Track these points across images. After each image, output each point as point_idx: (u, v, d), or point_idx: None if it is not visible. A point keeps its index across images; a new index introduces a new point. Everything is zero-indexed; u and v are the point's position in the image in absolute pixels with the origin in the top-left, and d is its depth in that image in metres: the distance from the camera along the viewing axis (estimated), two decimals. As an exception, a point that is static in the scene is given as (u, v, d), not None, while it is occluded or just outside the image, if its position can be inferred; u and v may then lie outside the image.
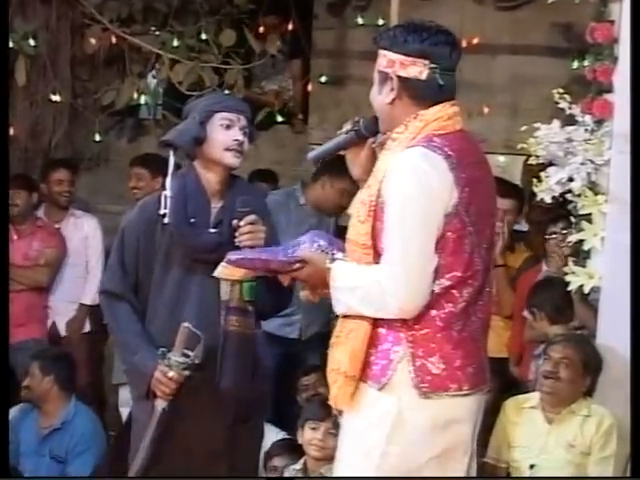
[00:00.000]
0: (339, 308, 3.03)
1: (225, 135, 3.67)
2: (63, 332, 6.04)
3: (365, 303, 2.95)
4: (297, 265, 3.10)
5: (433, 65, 2.98)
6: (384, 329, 2.98)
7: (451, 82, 3.04)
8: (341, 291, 2.99)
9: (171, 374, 3.54)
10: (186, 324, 3.53)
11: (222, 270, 3.37)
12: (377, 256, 2.97)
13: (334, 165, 3.86)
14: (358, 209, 3.02)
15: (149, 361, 3.59)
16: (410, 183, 2.90)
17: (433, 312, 2.95)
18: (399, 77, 3.00)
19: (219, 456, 3.67)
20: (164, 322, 3.65)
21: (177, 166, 3.77)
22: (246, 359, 3.66)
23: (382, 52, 3.04)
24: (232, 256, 3.30)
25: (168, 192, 3.65)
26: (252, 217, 3.60)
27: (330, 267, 3.02)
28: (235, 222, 3.59)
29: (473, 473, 3.14)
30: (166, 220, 3.63)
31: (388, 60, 3.01)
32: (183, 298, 3.64)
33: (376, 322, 2.99)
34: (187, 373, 3.55)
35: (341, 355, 3.01)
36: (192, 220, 3.64)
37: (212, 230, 3.64)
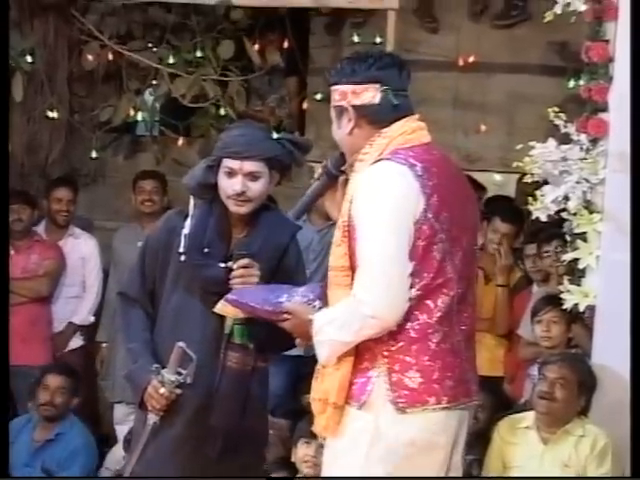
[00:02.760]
0: (323, 352, 3.01)
1: (226, 183, 3.55)
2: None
3: (345, 328, 2.95)
4: (283, 316, 3.14)
5: (384, 87, 3.04)
6: (362, 348, 2.99)
7: (405, 101, 3.09)
8: (321, 331, 3.00)
9: (162, 390, 3.53)
10: (181, 344, 3.52)
11: (220, 307, 3.41)
12: (355, 277, 2.97)
13: None
14: (335, 234, 3.05)
15: (144, 373, 3.58)
16: (376, 193, 2.94)
17: (407, 324, 2.96)
18: (354, 106, 3.05)
19: None
20: (166, 337, 3.63)
21: None
22: (240, 396, 3.61)
23: (333, 88, 3.11)
24: (229, 296, 3.34)
25: (186, 230, 3.59)
26: (245, 261, 3.52)
27: (312, 318, 3.03)
28: (230, 264, 3.52)
29: None
30: (182, 258, 3.58)
31: (340, 93, 3.08)
32: (183, 321, 3.61)
33: (357, 346, 3.00)
34: (179, 391, 3.54)
35: (328, 385, 3.01)
36: (206, 250, 3.57)
37: (222, 265, 3.55)
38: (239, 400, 3.60)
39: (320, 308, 3.09)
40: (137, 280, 3.71)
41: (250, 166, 3.55)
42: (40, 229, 6.13)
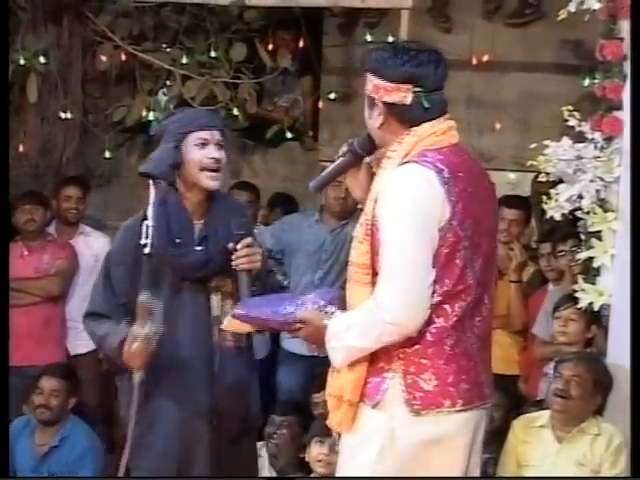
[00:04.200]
0: (338, 358, 3.00)
1: (200, 154, 3.66)
2: (72, 351, 6.01)
3: (364, 334, 2.93)
4: (297, 325, 3.12)
5: (417, 89, 2.99)
6: (377, 348, 2.98)
7: (438, 101, 3.04)
8: (336, 337, 2.99)
9: (135, 345, 3.54)
10: (141, 297, 3.53)
11: (228, 323, 3.40)
12: (375, 276, 2.97)
13: None
14: (358, 230, 3.04)
15: (115, 336, 3.61)
16: (401, 198, 2.91)
17: (424, 328, 2.94)
18: (384, 102, 3.02)
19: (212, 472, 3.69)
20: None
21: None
22: (242, 373, 3.71)
23: (368, 76, 3.06)
24: (237, 311, 3.34)
25: (150, 222, 3.66)
26: (249, 240, 3.62)
27: (326, 324, 3.02)
28: (231, 245, 3.60)
29: None
30: (147, 250, 3.65)
31: (373, 86, 3.04)
32: (174, 316, 3.65)
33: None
34: (154, 341, 3.53)
35: (344, 382, 3.01)
36: (177, 240, 3.65)
37: (198, 248, 3.66)
38: (242, 377, 3.69)
39: (333, 313, 3.07)
40: (105, 296, 3.72)
41: (217, 135, 3.72)
42: (51, 229, 6.13)
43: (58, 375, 5.28)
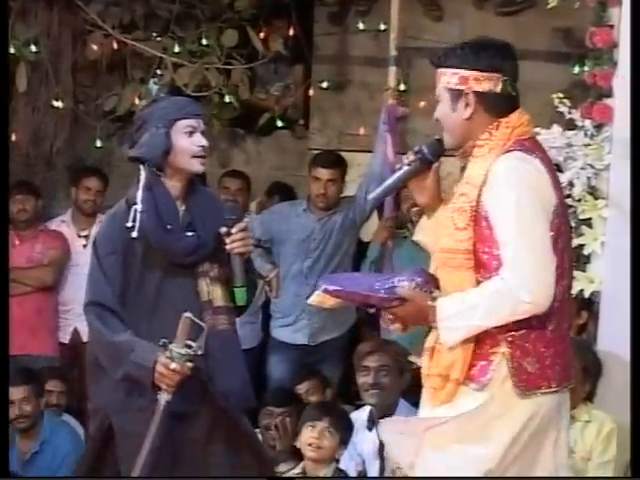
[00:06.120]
0: (454, 337, 3.05)
1: (190, 142, 3.69)
2: (85, 338, 5.99)
3: (492, 314, 3.00)
4: (396, 302, 3.14)
5: (505, 77, 3.10)
6: (483, 332, 3.06)
7: (517, 93, 3.16)
8: (455, 318, 3.04)
9: (173, 366, 3.49)
10: (187, 314, 3.52)
11: (317, 298, 3.33)
12: (478, 262, 3.05)
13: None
14: (453, 218, 3.09)
15: (149, 354, 3.55)
16: (518, 185, 3.01)
17: None
18: (474, 92, 3.10)
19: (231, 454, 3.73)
20: (144, 328, 3.63)
21: None
22: (240, 355, 3.75)
23: (450, 70, 3.13)
24: (329, 286, 3.29)
25: (139, 207, 3.65)
26: (243, 224, 3.67)
27: (434, 305, 3.07)
28: (224, 230, 3.64)
29: (562, 463, 3.17)
30: (134, 234, 3.63)
31: (460, 77, 3.11)
32: (163, 302, 3.66)
33: None
34: (190, 365, 3.51)
35: (451, 361, 3.07)
36: (168, 227, 3.67)
37: (189, 233, 3.68)
38: (240, 359, 3.74)
39: (432, 293, 3.10)
40: (104, 287, 3.66)
41: (202, 123, 3.76)
42: (67, 217, 6.16)
43: (22, 382, 5.07)
